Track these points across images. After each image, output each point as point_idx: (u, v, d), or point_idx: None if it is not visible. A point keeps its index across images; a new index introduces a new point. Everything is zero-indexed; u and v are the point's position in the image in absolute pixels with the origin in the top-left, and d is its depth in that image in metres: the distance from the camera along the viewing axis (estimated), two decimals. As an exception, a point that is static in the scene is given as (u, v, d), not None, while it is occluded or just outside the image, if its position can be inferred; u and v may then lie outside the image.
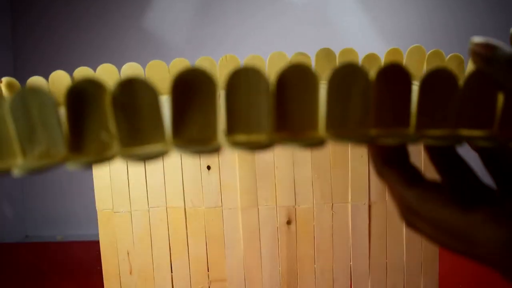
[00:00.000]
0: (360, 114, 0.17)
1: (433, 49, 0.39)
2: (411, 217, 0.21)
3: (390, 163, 0.21)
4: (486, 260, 0.18)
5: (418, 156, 0.48)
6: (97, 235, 0.50)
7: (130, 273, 0.50)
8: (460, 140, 0.18)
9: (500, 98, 0.18)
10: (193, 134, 0.17)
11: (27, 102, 0.16)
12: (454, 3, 1.04)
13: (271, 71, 0.40)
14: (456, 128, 0.18)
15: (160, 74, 0.40)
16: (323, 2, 1.07)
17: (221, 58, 0.41)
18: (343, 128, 0.18)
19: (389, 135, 0.18)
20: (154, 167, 0.49)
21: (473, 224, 0.18)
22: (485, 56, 0.17)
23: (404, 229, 0.49)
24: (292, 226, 0.50)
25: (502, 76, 0.17)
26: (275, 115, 0.17)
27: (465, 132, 0.18)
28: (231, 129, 0.17)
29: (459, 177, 0.21)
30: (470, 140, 0.18)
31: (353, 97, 0.17)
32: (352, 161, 0.49)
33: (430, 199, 0.19)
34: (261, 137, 0.17)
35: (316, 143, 0.17)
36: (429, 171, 0.46)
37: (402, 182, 0.20)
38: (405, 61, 0.40)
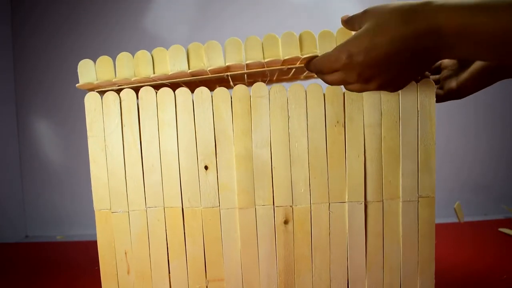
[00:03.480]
0: None
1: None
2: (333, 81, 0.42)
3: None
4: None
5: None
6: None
7: (128, 273, 0.51)
8: None
9: None
10: None
11: None
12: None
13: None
14: None
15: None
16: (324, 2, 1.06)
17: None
18: None
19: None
20: (152, 167, 0.49)
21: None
22: None
23: (400, 228, 0.50)
24: (290, 225, 0.50)
25: None
26: None
27: None
28: None
29: None
30: None
31: None
32: (348, 160, 0.49)
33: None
34: None
35: None
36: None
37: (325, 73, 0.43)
38: None
